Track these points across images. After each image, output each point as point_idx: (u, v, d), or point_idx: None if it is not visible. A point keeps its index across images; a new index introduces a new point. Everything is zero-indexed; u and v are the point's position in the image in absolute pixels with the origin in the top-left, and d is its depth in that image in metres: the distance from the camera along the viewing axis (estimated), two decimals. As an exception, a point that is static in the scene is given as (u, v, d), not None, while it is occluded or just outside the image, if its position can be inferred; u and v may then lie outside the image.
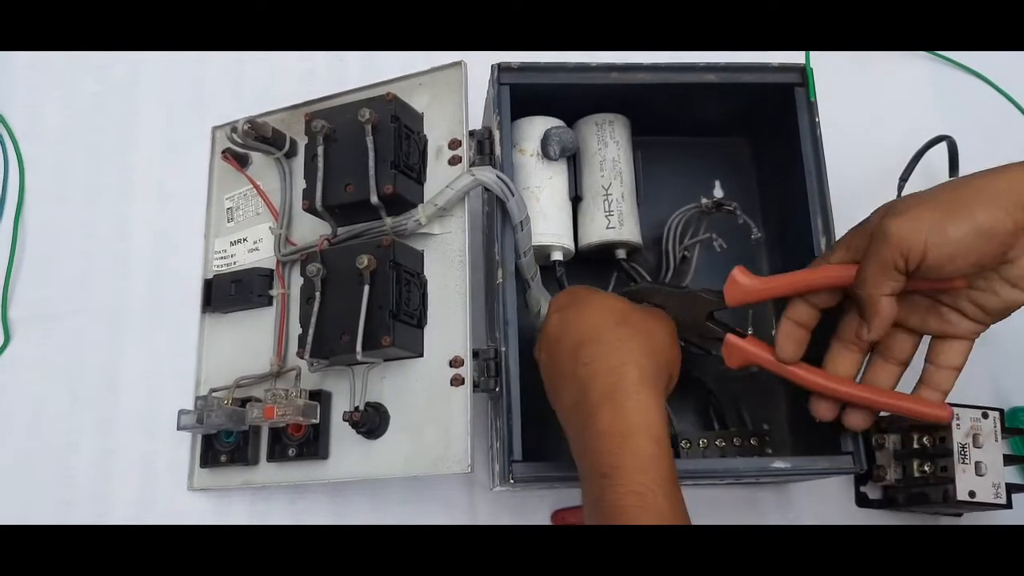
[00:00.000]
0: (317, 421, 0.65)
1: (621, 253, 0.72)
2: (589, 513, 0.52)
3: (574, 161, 0.71)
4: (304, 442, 0.66)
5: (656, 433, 0.51)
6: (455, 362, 0.62)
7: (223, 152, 0.76)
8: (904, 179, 0.77)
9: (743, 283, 0.60)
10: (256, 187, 0.74)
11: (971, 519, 0.73)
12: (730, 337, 0.61)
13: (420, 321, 0.64)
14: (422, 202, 0.65)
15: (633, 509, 0.49)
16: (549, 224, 0.69)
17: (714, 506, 0.73)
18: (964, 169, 0.77)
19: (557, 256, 0.70)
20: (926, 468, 0.68)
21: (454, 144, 0.67)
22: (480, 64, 0.68)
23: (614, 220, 0.70)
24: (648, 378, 0.53)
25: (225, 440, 0.69)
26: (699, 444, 0.68)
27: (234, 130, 0.69)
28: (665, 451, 0.51)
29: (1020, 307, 0.54)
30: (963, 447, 0.66)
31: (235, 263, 0.74)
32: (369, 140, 0.63)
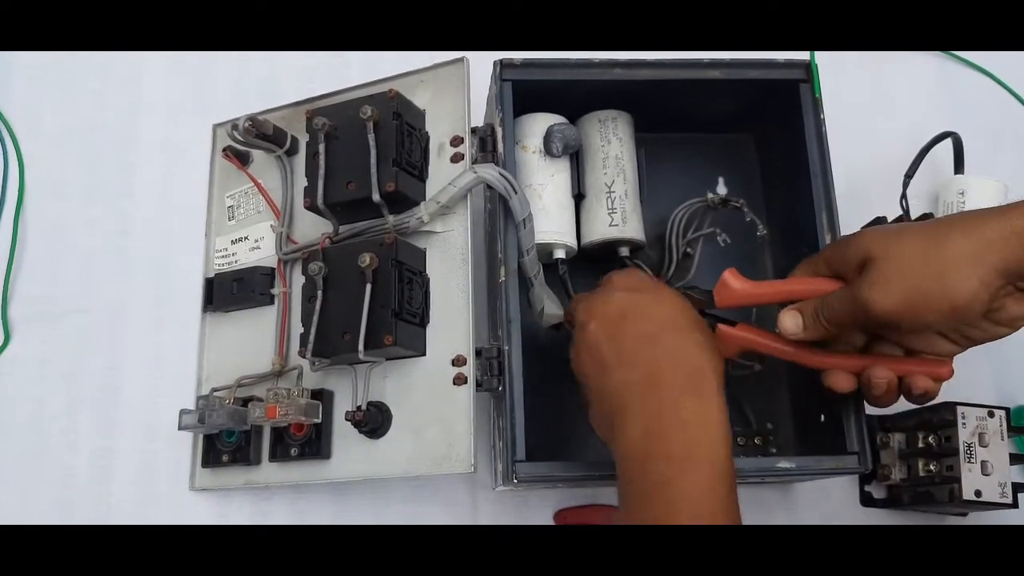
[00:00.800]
0: (319, 420, 0.65)
1: (624, 251, 0.71)
2: (639, 489, 0.51)
3: (577, 158, 0.71)
4: (306, 442, 0.66)
5: (729, 440, 0.51)
6: (458, 361, 0.62)
7: (224, 150, 0.76)
8: (909, 176, 0.76)
9: (734, 286, 0.60)
10: (257, 185, 0.73)
11: (976, 518, 0.72)
12: (721, 326, 0.61)
13: (422, 320, 0.64)
14: (424, 200, 0.65)
15: (702, 498, 0.49)
16: (552, 222, 0.68)
17: (718, 505, 0.72)
18: (969, 165, 0.77)
19: (560, 254, 0.69)
20: (932, 467, 0.68)
21: (456, 141, 0.66)
22: (482, 61, 0.67)
23: (617, 218, 0.70)
24: (720, 390, 0.53)
25: (227, 440, 0.69)
26: (703, 443, 0.68)
27: (235, 127, 0.69)
28: (731, 463, 0.51)
29: (1002, 338, 0.55)
30: (969, 446, 0.65)
31: (236, 261, 0.73)
32: (371, 137, 0.63)
